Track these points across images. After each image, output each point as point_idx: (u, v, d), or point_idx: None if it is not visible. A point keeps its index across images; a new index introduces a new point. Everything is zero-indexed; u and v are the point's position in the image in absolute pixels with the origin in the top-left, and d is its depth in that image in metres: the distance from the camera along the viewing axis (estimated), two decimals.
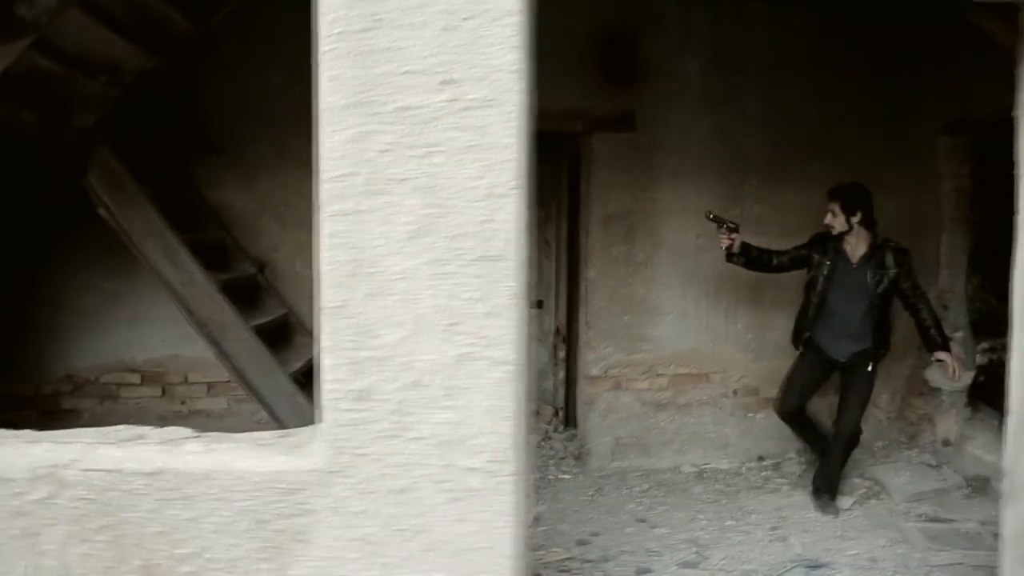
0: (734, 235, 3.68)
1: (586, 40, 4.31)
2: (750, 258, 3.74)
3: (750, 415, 4.55)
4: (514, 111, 1.40)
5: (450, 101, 1.37)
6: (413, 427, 1.42)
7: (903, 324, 4.56)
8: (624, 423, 4.48)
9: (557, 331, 5.63)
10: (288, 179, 4.25)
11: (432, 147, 1.37)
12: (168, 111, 4.04)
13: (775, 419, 4.58)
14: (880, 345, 3.73)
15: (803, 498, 3.90)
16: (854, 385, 3.75)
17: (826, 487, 3.78)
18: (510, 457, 1.42)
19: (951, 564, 3.14)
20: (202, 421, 4.35)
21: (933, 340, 3.61)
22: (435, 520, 1.44)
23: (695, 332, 4.49)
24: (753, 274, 4.18)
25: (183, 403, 4.35)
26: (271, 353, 3.57)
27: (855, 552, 3.28)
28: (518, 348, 1.40)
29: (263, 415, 4.29)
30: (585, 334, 4.57)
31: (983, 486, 3.79)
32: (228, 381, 4.32)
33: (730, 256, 3.72)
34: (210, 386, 4.35)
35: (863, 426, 3.80)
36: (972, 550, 3.18)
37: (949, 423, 4.16)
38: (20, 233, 3.92)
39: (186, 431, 1.65)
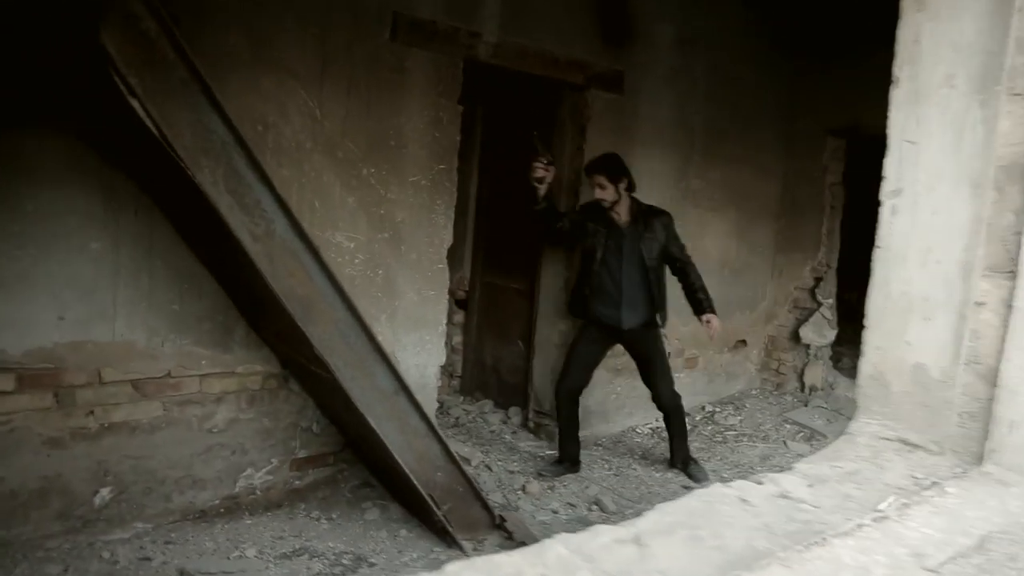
0: (550, 168, 3.59)
1: None
2: (550, 208, 3.67)
3: (678, 375, 4.87)
4: None
5: None
6: None
7: (776, 290, 5.38)
8: (590, 392, 4.38)
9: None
10: (269, 88, 3.06)
11: None
12: None
13: (699, 375, 5.01)
14: (660, 310, 3.74)
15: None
16: (649, 357, 3.80)
17: (687, 458, 3.94)
18: None
19: None
20: (124, 440, 2.88)
21: (700, 304, 3.70)
22: None
23: None
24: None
25: (90, 414, 2.80)
26: (373, 339, 2.56)
27: None
28: None
29: (216, 422, 3.09)
30: (545, 301, 4.35)
31: None
32: (166, 376, 2.96)
33: (537, 201, 3.61)
34: (136, 384, 2.89)
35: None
36: None
37: (817, 372, 5.11)
38: None
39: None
